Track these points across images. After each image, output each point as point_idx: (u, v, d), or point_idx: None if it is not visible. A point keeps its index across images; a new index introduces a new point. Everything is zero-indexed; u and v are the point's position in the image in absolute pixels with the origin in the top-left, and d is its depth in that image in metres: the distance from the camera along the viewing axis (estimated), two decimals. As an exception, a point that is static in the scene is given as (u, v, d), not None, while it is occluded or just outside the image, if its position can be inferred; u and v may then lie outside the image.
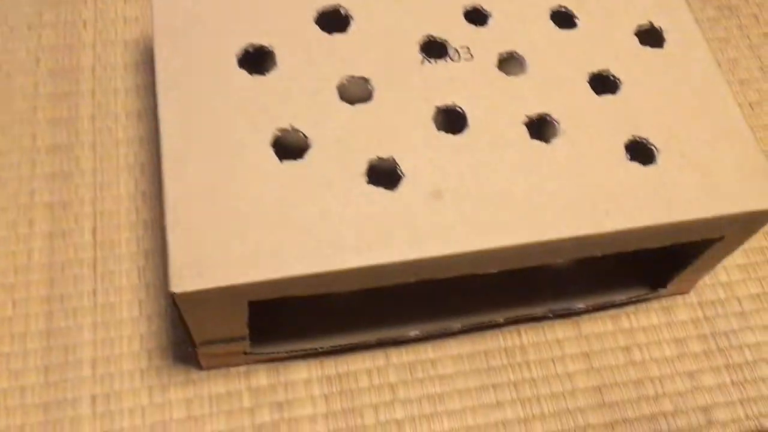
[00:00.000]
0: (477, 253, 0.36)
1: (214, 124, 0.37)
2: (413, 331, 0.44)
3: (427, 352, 0.46)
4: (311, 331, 0.44)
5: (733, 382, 0.47)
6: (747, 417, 0.46)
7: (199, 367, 0.44)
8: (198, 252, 0.34)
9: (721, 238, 0.40)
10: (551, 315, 0.47)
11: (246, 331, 0.40)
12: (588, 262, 0.43)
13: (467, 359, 0.46)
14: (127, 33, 0.55)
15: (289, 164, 0.37)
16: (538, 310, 0.46)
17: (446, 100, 0.39)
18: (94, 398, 0.43)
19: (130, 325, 0.45)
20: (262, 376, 0.44)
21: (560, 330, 0.47)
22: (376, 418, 0.44)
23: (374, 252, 0.35)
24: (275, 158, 0.37)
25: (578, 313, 0.48)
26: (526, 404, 0.45)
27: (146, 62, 0.54)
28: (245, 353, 0.43)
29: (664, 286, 0.46)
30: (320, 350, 0.44)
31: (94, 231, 0.48)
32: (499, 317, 0.45)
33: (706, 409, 0.46)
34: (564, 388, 0.46)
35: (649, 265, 0.47)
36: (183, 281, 0.33)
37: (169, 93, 0.38)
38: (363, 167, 0.37)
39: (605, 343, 0.47)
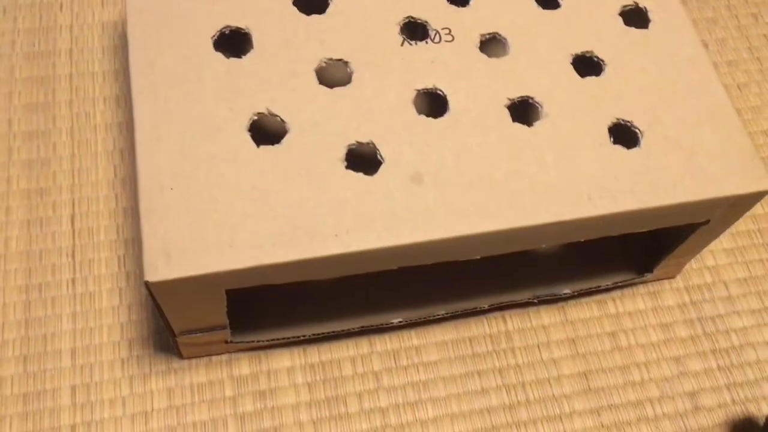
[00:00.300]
0: (458, 239, 0.35)
1: (189, 108, 0.36)
2: (397, 318, 0.44)
3: (411, 339, 0.46)
4: (293, 319, 0.44)
5: (719, 367, 0.46)
6: (733, 402, 0.46)
7: (180, 356, 0.43)
8: (173, 240, 0.33)
9: (706, 222, 0.40)
10: (536, 301, 0.46)
11: (226, 320, 0.39)
12: (573, 247, 0.43)
13: (452, 346, 0.46)
14: (105, 15, 0.54)
15: (266, 149, 0.36)
16: (524, 296, 0.45)
17: (427, 83, 0.38)
18: (74, 389, 0.42)
19: (110, 315, 0.44)
20: (244, 365, 0.44)
21: (546, 316, 0.47)
22: (360, 406, 0.43)
23: (353, 239, 0.34)
24: (252, 143, 0.36)
25: (564, 298, 0.47)
26: (512, 391, 0.45)
27: (125, 45, 0.52)
28: (226, 342, 0.42)
29: (650, 270, 0.46)
30: (303, 338, 0.43)
31: (72, 219, 0.47)
32: (484, 303, 0.45)
33: (692, 395, 0.46)
34: (549, 374, 0.45)
35: (635, 249, 0.46)
36: (157, 270, 0.33)
37: (142, 77, 0.37)
38: (342, 152, 0.36)
39: (591, 328, 0.47)
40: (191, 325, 0.39)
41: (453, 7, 0.41)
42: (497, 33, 0.40)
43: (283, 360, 0.44)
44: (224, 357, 0.44)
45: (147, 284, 0.33)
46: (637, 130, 0.38)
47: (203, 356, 0.44)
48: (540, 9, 0.41)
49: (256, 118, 0.37)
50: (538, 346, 0.46)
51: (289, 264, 0.34)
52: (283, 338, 0.43)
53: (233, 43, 0.39)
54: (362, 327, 0.44)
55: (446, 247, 0.35)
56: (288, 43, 0.39)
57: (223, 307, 0.37)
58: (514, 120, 0.38)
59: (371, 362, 0.45)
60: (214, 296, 0.36)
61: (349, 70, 0.38)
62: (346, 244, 0.34)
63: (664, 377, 0.46)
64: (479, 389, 0.45)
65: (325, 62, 0.38)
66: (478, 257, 0.38)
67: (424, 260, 0.37)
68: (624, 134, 0.38)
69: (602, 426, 0.44)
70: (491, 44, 0.40)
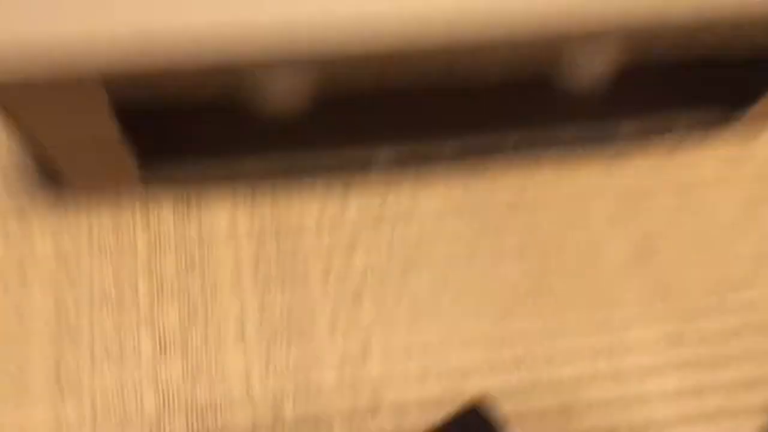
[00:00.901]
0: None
1: None
2: (383, 154, 0.31)
3: (402, 190, 0.33)
4: (240, 153, 0.31)
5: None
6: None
7: (73, 192, 0.31)
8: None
9: None
10: (575, 143, 0.33)
11: (116, 134, 0.26)
12: (630, 78, 0.30)
13: (457, 198, 0.33)
14: None
15: None
16: (560, 135, 0.32)
17: None
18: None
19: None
20: (167, 212, 0.32)
21: (585, 169, 0.34)
22: (326, 273, 0.32)
23: None
24: None
25: (612, 147, 0.34)
26: (536, 259, 0.33)
27: None
28: (141, 171, 0.29)
29: (740, 114, 0.32)
30: (247, 174, 0.31)
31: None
32: (507, 141, 0.32)
33: None
34: (589, 239, 0.33)
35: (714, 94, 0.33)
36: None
37: None
38: None
39: (648, 188, 0.34)
40: (65, 139, 0.26)
41: None
42: None
43: (221, 210, 0.32)
44: (138, 203, 0.32)
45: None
46: None
47: (106, 192, 0.31)
48: None
49: None
50: (572, 207, 0.34)
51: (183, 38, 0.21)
52: (221, 173, 0.30)
53: None
54: (335, 163, 0.31)
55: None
56: None
57: (105, 112, 0.24)
58: None
59: (344, 215, 0.32)
60: (88, 97, 0.23)
61: None
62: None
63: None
64: (496, 252, 0.32)
65: None
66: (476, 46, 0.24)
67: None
68: None
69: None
70: None
